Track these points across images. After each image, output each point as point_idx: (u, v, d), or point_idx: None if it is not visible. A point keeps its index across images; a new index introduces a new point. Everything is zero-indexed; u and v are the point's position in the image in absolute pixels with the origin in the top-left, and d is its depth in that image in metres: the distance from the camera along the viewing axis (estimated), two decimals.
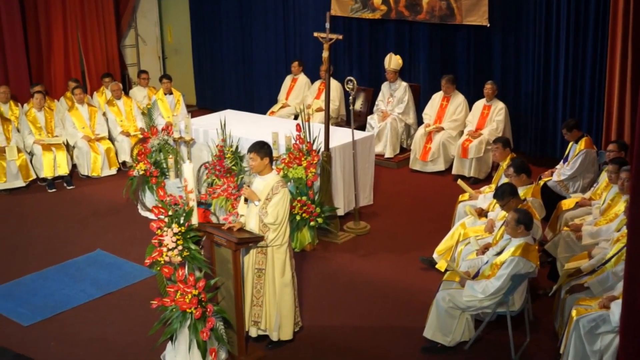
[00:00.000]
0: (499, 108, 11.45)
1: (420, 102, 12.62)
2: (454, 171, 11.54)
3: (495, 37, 11.93)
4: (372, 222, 9.94)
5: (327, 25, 9.17)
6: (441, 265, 8.28)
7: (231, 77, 15.81)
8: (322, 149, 9.31)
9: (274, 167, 8.95)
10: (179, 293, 6.39)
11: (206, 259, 6.68)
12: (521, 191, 7.82)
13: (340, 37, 9.25)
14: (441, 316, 6.85)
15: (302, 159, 9.14)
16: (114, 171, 12.34)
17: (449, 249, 8.35)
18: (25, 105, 12.49)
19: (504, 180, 8.37)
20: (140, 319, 7.53)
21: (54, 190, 11.66)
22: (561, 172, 9.69)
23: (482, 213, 8.43)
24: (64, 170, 11.82)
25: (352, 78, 9.47)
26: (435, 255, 8.49)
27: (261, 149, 6.79)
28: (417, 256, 8.82)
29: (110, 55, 14.64)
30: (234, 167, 9.78)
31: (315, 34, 9.39)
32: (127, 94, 13.73)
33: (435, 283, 7.51)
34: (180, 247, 6.50)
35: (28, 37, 13.55)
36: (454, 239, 8.33)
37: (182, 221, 6.56)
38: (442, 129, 11.83)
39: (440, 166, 11.84)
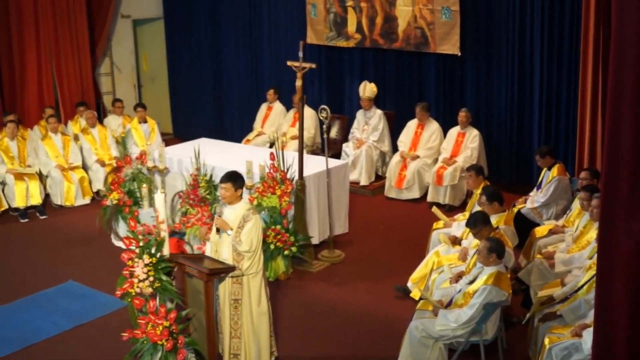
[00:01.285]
0: (473, 135, 11.50)
1: (395, 130, 12.65)
2: (429, 198, 11.55)
3: (467, 66, 12.02)
4: (347, 250, 9.92)
5: (301, 54, 9.22)
6: (415, 294, 8.24)
7: (206, 105, 15.80)
8: (296, 178, 9.30)
9: (247, 196, 8.97)
10: (150, 325, 6.32)
11: (178, 290, 6.63)
12: (494, 219, 7.84)
13: (314, 65, 9.29)
14: (414, 345, 6.82)
15: (276, 187, 9.12)
16: (87, 200, 12.24)
17: (423, 277, 8.32)
18: None
19: (478, 208, 8.40)
20: (111, 351, 7.43)
21: (26, 220, 11.55)
22: (534, 199, 9.74)
23: (455, 241, 8.43)
24: (36, 200, 11.71)
25: (325, 107, 9.48)
26: (409, 284, 8.46)
27: (236, 180, 6.77)
28: (392, 284, 8.79)
29: (85, 84, 14.54)
30: (208, 196, 9.74)
31: (289, 63, 9.42)
32: (101, 122, 13.67)
33: (410, 311, 7.49)
34: (151, 279, 6.47)
35: (1, 65, 13.46)
36: (428, 267, 8.32)
37: (153, 252, 6.51)
38: (417, 156, 11.86)
39: (415, 194, 11.85)
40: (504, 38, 11.57)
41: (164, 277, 6.51)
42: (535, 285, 7.86)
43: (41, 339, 7.93)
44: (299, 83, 9.30)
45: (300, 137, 9.47)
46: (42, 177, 12.13)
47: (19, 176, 11.69)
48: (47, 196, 12.15)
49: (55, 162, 12.16)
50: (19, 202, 11.60)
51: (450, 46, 11.86)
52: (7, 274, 9.62)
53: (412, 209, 11.53)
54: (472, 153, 11.42)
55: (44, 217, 11.72)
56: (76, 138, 12.86)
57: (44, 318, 8.37)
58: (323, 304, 8.56)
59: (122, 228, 10.13)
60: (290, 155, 9.67)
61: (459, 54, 11.83)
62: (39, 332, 8.05)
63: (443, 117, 12.20)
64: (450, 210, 10.97)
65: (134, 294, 6.51)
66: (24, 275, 9.57)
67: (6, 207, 11.64)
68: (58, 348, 7.76)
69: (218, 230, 6.80)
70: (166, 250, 6.65)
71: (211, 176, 9.83)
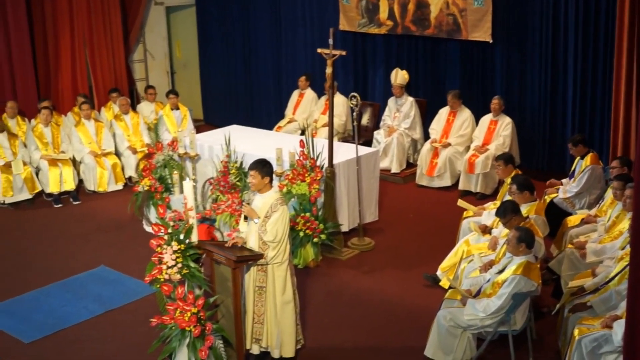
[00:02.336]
0: (505, 123, 11.39)
1: (426, 117, 12.58)
2: (460, 186, 11.48)
3: (499, 53, 11.92)
4: (376, 238, 9.89)
5: (331, 41, 9.17)
6: (444, 282, 8.21)
7: (237, 92, 15.83)
8: (326, 165, 9.29)
9: (277, 183, 8.98)
10: (178, 311, 6.36)
11: (206, 277, 6.65)
12: (524, 208, 7.76)
13: (344, 52, 9.25)
14: (442, 335, 6.79)
15: (306, 175, 9.12)
16: (120, 186, 12.35)
17: (453, 265, 8.28)
18: (32, 120, 12.56)
19: (509, 197, 8.32)
20: (141, 337, 7.50)
21: (60, 205, 11.68)
22: (567, 188, 9.62)
23: (486, 230, 8.36)
24: (70, 185, 11.84)
25: (355, 94, 9.43)
26: (439, 272, 8.42)
27: (263, 167, 6.76)
28: (421, 273, 8.76)
29: (118, 71, 14.68)
30: (238, 183, 9.77)
31: (319, 50, 9.39)
32: (134, 109, 13.76)
33: (438, 300, 7.45)
34: (179, 265, 6.49)
35: (36, 52, 13.62)
36: (458, 256, 8.27)
37: (181, 238, 6.54)
38: (449, 144, 11.78)
39: (446, 181, 11.78)
40: (537, 25, 11.43)
41: (192, 264, 6.53)
42: (565, 275, 7.77)
43: (72, 323, 8.02)
44: (329, 70, 9.26)
45: (330, 124, 9.44)
46: (75, 163, 12.27)
47: (53, 162, 11.82)
48: (80, 182, 12.29)
49: (88, 149, 12.27)
50: (52, 188, 11.74)
51: (482, 33, 11.75)
52: (40, 258, 9.75)
53: (443, 197, 11.45)
54: (504, 141, 11.31)
55: (77, 202, 11.84)
56: (110, 124, 12.97)
57: (75, 303, 8.47)
58: (352, 292, 8.56)
59: (153, 214, 10.20)
60: (321, 142, 9.65)
61: (491, 41, 11.73)
62: (70, 317, 8.14)
63: (475, 105, 12.09)
64: (482, 198, 10.90)
65: (162, 280, 6.54)
66: (57, 260, 9.68)
67: (40, 189, 11.77)
68: (89, 333, 7.85)
69: (246, 217, 6.82)
70: (194, 237, 6.67)
71: (241, 163, 9.85)
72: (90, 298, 8.56)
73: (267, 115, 15.06)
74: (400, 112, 12.49)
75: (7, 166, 11.56)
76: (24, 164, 11.63)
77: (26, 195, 11.63)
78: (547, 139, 11.67)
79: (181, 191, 10.07)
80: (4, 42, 13.06)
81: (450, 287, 7.63)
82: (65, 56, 13.87)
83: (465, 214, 9.16)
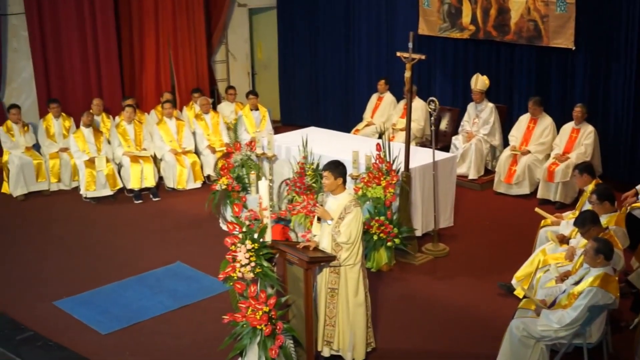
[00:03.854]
0: (588, 131, 11.15)
1: (506, 124, 12.41)
2: (539, 195, 11.29)
3: (582, 60, 11.66)
4: (451, 244, 9.81)
5: (410, 45, 9.13)
6: (519, 292, 8.08)
7: (315, 94, 15.92)
8: (402, 169, 9.25)
9: (352, 186, 9.00)
10: (250, 309, 6.42)
11: (278, 277, 6.70)
12: (604, 219, 7.58)
13: (423, 57, 9.18)
14: (515, 345, 6.67)
15: (381, 178, 9.10)
16: (198, 184, 12.56)
17: (528, 275, 8.13)
18: (116, 117, 12.90)
19: (588, 206, 8.13)
20: (213, 333, 7.60)
21: (140, 201, 11.95)
22: None
23: (563, 240, 8.19)
24: (150, 182, 12.11)
25: (434, 98, 9.37)
26: (513, 281, 8.28)
27: (335, 168, 6.78)
28: (495, 281, 8.65)
29: (200, 71, 14.96)
30: (314, 185, 9.82)
31: (398, 54, 9.36)
32: (215, 108, 13.97)
33: (512, 310, 7.35)
34: (253, 264, 6.55)
35: (122, 52, 14.02)
36: (534, 265, 8.12)
37: (256, 237, 6.61)
38: (529, 151, 11.60)
39: (525, 189, 11.60)
40: (622, 31, 11.13)
41: (265, 263, 6.59)
42: None
43: (147, 317, 8.19)
44: (407, 74, 9.23)
45: (408, 128, 9.41)
46: (156, 161, 12.54)
47: (135, 159, 12.11)
48: (160, 179, 12.56)
49: (169, 146, 12.52)
50: (133, 184, 12.03)
51: (564, 39, 11.53)
52: (119, 252, 9.99)
53: (521, 205, 11.28)
54: (586, 150, 11.08)
55: (156, 199, 12.09)
56: (191, 123, 13.21)
57: (151, 297, 8.65)
58: (424, 298, 8.50)
59: (229, 213, 10.33)
60: (397, 146, 9.62)
61: (573, 47, 11.50)
62: (146, 311, 8.32)
63: (556, 112, 11.86)
64: (561, 207, 10.68)
65: (235, 278, 6.62)
66: (135, 254, 9.91)
67: (121, 186, 12.08)
68: (163, 327, 8.00)
69: (320, 219, 6.85)
70: (268, 237, 6.72)
71: (318, 165, 9.90)
72: (166, 293, 8.74)
73: (345, 117, 15.07)
74: (480, 118, 12.36)
75: (91, 161, 11.90)
76: (107, 160, 11.95)
77: (108, 191, 11.94)
78: (630, 148, 11.37)
79: (257, 191, 10.20)
80: (92, 42, 13.49)
81: (524, 297, 7.49)
82: (150, 56, 14.23)
83: (543, 222, 8.99)
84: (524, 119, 11.88)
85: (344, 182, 6.86)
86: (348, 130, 13.28)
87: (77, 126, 12.54)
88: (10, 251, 10.08)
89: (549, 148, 11.59)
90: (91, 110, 12.75)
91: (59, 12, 13.22)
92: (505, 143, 12.23)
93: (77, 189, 12.21)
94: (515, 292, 8.19)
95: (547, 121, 11.69)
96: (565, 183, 10.98)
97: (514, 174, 11.61)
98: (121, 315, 8.22)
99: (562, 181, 10.98)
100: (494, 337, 7.19)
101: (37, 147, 12.60)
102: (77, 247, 10.17)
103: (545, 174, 11.17)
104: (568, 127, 11.36)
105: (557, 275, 7.51)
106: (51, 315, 8.27)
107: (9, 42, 13.33)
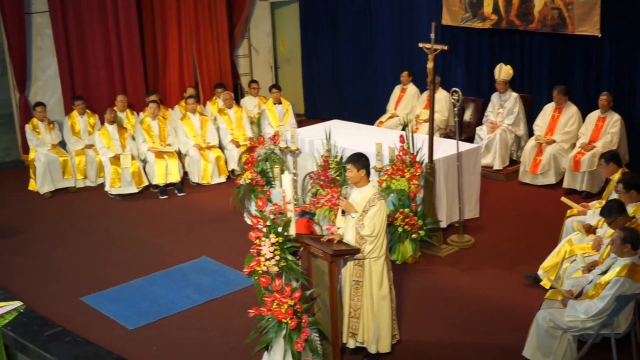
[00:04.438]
0: (614, 120, 11.04)
1: (531, 113, 12.32)
2: (565, 185, 11.20)
3: (608, 48, 11.54)
4: (477, 236, 9.76)
5: (432, 35, 9.08)
6: (545, 282, 8.03)
7: (338, 86, 15.90)
8: (426, 161, 9.22)
9: (375, 178, 8.97)
10: (275, 303, 6.41)
11: (303, 270, 6.70)
12: (631, 208, 7.50)
13: (446, 47, 9.13)
14: (541, 336, 6.64)
15: (405, 170, 9.07)
16: (223, 179, 12.60)
17: (555, 265, 8.09)
18: (140, 113, 12.96)
19: (614, 195, 8.06)
20: (239, 327, 7.62)
21: (165, 197, 12.00)
22: None
23: (590, 229, 8.12)
24: (175, 177, 12.16)
25: (457, 89, 9.32)
26: (540, 272, 8.23)
27: (358, 160, 6.76)
28: (521, 272, 8.59)
29: (223, 65, 15.00)
30: (338, 178, 9.81)
31: (420, 45, 9.31)
32: (238, 103, 13.99)
33: (538, 301, 7.29)
34: (277, 258, 6.54)
35: (145, 48, 14.10)
36: (560, 256, 8.07)
37: (279, 231, 6.61)
38: (554, 141, 11.50)
39: (550, 179, 11.51)
40: None
41: (290, 257, 6.58)
42: None
43: (174, 312, 8.24)
44: (430, 65, 9.19)
45: (431, 119, 9.37)
46: (180, 156, 12.58)
47: (159, 154, 12.16)
48: (185, 174, 12.61)
49: (193, 142, 12.57)
50: (158, 180, 12.09)
51: (590, 27, 11.40)
52: (145, 248, 10.05)
53: (546, 195, 11.20)
54: (612, 138, 10.97)
55: (181, 194, 12.14)
56: (214, 118, 13.24)
57: (178, 292, 8.70)
58: (449, 289, 8.47)
59: (254, 207, 10.35)
60: (421, 138, 9.59)
61: (599, 35, 11.37)
62: (172, 305, 8.37)
63: (581, 101, 11.75)
64: (587, 197, 10.59)
65: (260, 272, 6.61)
66: (161, 249, 9.96)
67: (146, 183, 12.13)
68: (190, 321, 8.04)
69: (344, 212, 6.84)
70: (292, 230, 6.72)
71: (341, 158, 9.88)
72: (192, 287, 8.78)
73: (369, 110, 15.03)
74: (504, 108, 12.27)
75: (116, 158, 11.97)
76: (132, 158, 12.01)
77: (133, 189, 12.00)
78: None
79: (281, 185, 10.20)
80: (115, 39, 13.58)
81: (551, 288, 7.44)
82: (173, 51, 14.29)
83: (569, 212, 8.92)
84: (548, 108, 11.78)
85: (368, 174, 6.84)
86: (371, 123, 13.25)
87: (102, 123, 12.62)
88: (38, 248, 10.17)
89: (575, 137, 11.49)
90: (115, 107, 12.82)
91: (82, 9, 13.33)
92: (530, 133, 12.14)
93: (102, 185, 12.29)
94: (541, 283, 8.15)
95: (572, 110, 11.58)
96: (592, 172, 10.88)
97: (539, 163, 11.52)
98: (148, 310, 8.27)
99: (588, 170, 10.88)
100: (520, 328, 7.16)
101: (62, 144, 12.71)
102: (104, 243, 10.25)
103: (571, 163, 11.08)
104: (594, 115, 11.25)
105: (584, 265, 7.47)
106: (79, 311, 8.33)
107: (33, 40, 13.46)
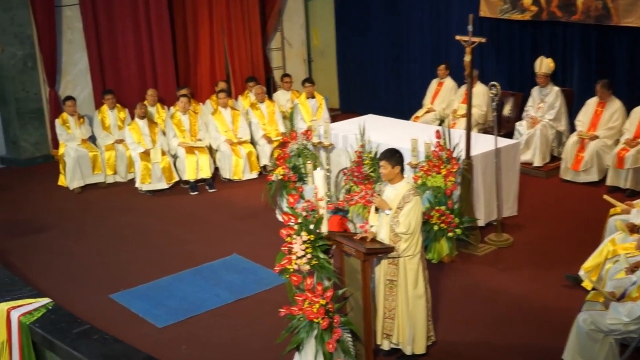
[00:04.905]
0: None
1: (573, 108, 12.01)
2: (608, 182, 10.87)
3: None
4: (515, 235, 9.49)
5: (470, 28, 8.84)
6: (587, 284, 7.77)
7: (374, 81, 15.72)
8: (463, 157, 8.96)
9: (411, 174, 8.74)
10: (307, 302, 6.26)
11: (335, 269, 6.54)
12: None
13: (484, 40, 8.87)
14: (582, 339, 6.39)
15: (442, 166, 8.84)
16: (255, 175, 12.44)
17: (597, 266, 7.80)
18: (171, 108, 12.86)
19: None
20: (270, 326, 7.44)
21: (196, 193, 11.88)
22: None
23: (634, 229, 7.82)
24: (206, 173, 12.02)
25: (495, 83, 9.07)
26: (581, 273, 7.95)
27: (392, 157, 6.58)
28: (562, 272, 8.32)
29: (255, 59, 14.87)
30: (372, 174, 9.59)
31: (457, 37, 9.07)
32: (270, 97, 13.83)
33: (579, 302, 7.05)
34: (309, 256, 6.40)
35: (176, 42, 14.03)
36: (603, 256, 7.79)
37: (311, 229, 6.43)
38: (597, 137, 11.17)
39: (593, 176, 11.19)
40: None
41: (322, 255, 6.43)
42: None
43: (204, 310, 8.11)
44: (467, 58, 8.93)
45: (468, 114, 9.11)
46: (212, 151, 12.44)
47: (190, 150, 12.03)
48: (216, 170, 12.46)
49: (224, 137, 12.41)
50: (189, 175, 11.95)
51: (636, 18, 11.05)
52: (174, 245, 9.93)
53: (588, 193, 10.89)
54: None
55: (212, 190, 12.00)
56: (246, 113, 13.09)
57: (207, 290, 8.56)
58: (487, 289, 8.24)
59: (286, 203, 10.17)
60: (458, 133, 9.35)
61: None
62: (202, 304, 8.23)
63: (626, 95, 11.42)
64: (632, 195, 10.25)
65: (291, 270, 6.49)
66: (191, 246, 9.84)
67: (177, 179, 12.01)
68: (220, 320, 7.91)
69: (377, 209, 6.63)
70: (324, 228, 6.56)
71: (376, 153, 9.65)
72: (222, 286, 8.63)
73: (405, 104, 14.81)
74: (545, 103, 11.97)
75: (147, 154, 11.85)
76: (163, 153, 11.88)
77: (163, 185, 11.90)
78: None
79: (314, 181, 10.01)
80: (146, 32, 13.51)
81: (592, 289, 7.20)
82: (204, 45, 14.18)
83: (612, 211, 8.62)
84: (591, 103, 11.45)
85: (402, 170, 6.66)
86: (405, 118, 13.02)
87: (132, 117, 12.53)
88: (67, 244, 10.11)
89: (619, 133, 11.15)
90: (145, 102, 12.72)
91: (113, 2, 13.32)
92: (572, 128, 11.82)
93: (133, 181, 12.22)
94: (582, 284, 7.90)
95: (616, 105, 11.24)
96: (636, 169, 10.55)
97: (581, 160, 11.21)
98: (177, 308, 8.15)
99: (633, 167, 10.55)
100: (560, 330, 6.93)
101: (92, 139, 12.65)
102: (133, 240, 10.16)
103: (614, 160, 10.75)
104: (638, 110, 10.91)
105: (627, 266, 7.19)
106: (107, 309, 8.26)
107: (63, 34, 13.44)
